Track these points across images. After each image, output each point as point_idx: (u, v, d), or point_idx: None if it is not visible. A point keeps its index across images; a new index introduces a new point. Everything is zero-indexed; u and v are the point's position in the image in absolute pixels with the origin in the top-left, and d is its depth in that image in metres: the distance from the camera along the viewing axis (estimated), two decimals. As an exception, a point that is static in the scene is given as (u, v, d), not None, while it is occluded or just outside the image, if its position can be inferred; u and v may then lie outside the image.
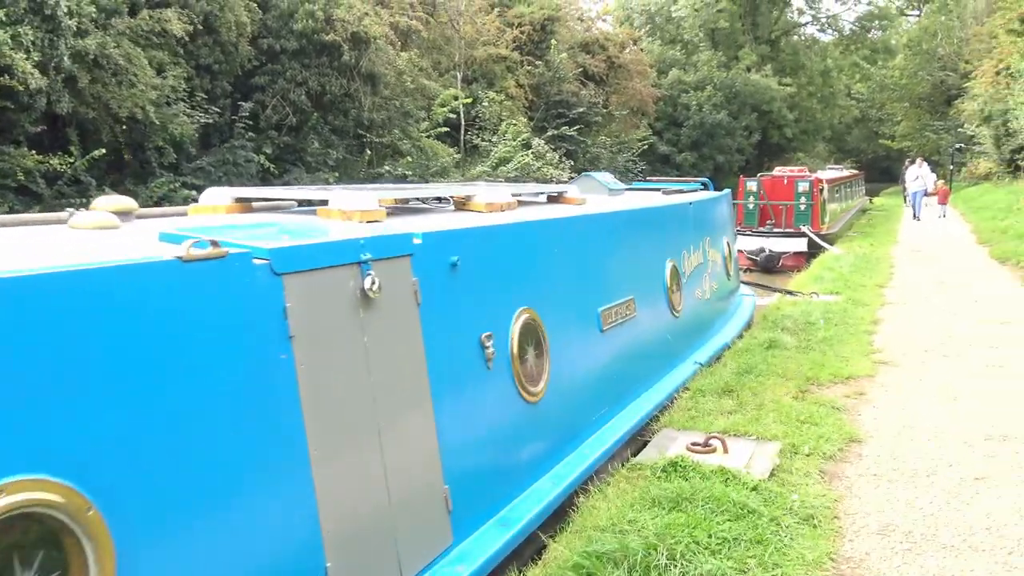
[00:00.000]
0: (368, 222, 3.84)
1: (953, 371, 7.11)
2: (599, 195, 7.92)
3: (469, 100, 26.73)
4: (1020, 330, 8.68)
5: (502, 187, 5.61)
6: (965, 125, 39.88)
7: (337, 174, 22.44)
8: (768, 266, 18.56)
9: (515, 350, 4.15)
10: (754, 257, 18.74)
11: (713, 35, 57.76)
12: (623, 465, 4.88)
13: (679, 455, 4.78)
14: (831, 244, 19.06)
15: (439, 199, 5.54)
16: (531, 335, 4.38)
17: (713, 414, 5.69)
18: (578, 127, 35.17)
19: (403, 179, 23.49)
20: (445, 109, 25.82)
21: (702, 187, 10.58)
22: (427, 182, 24.09)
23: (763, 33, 60.54)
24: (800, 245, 18.75)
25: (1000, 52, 31.02)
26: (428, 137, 27.22)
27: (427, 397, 3.46)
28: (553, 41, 35.48)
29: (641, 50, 54.11)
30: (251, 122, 18.99)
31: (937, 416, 5.85)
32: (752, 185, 19.78)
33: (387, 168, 22.74)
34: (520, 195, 6.55)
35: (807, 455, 4.94)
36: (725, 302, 9.07)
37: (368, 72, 20.39)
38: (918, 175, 24.33)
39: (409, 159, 22.61)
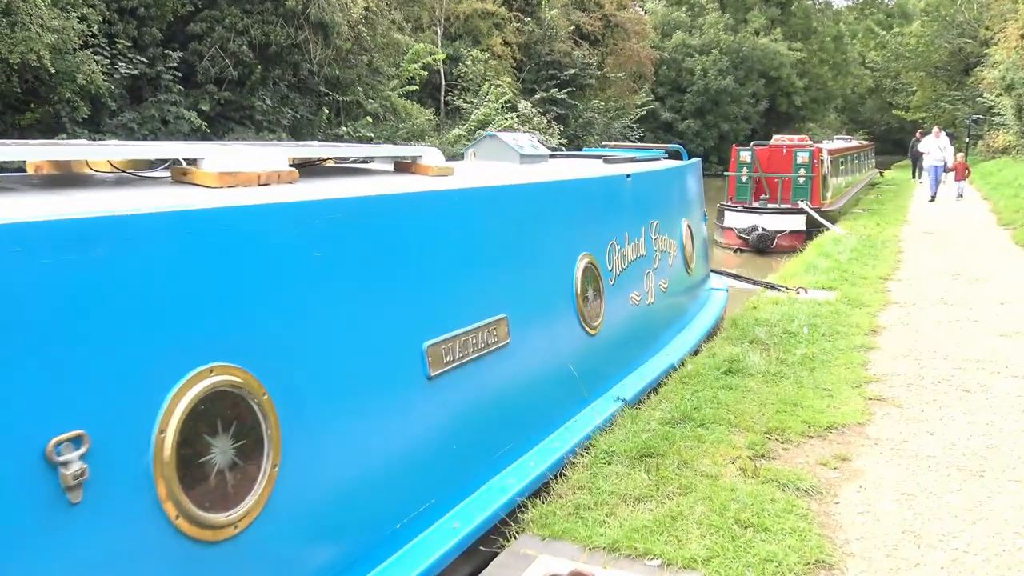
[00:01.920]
0: None
1: (977, 417, 5.11)
2: (505, 162, 5.90)
3: (443, 56, 24.44)
4: (1062, 348, 6.68)
5: (278, 148, 3.59)
6: (984, 95, 37.38)
7: (287, 135, 20.37)
8: (761, 246, 16.50)
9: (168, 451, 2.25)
10: (745, 236, 16.68)
11: (721, -4, 54.80)
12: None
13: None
14: (833, 223, 16.96)
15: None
16: (241, 414, 2.46)
17: (612, 502, 3.71)
18: (569, 90, 32.90)
19: (367, 141, 21.43)
20: (416, 65, 23.61)
21: (667, 156, 8.54)
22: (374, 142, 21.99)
23: (774, -5, 57.55)
24: (798, 223, 16.68)
25: (1026, 13, 28.58)
26: (401, 97, 25.08)
27: None
28: (544, -4, 32.99)
29: (642, 9, 51.57)
30: (180, 74, 16.91)
31: (957, 508, 3.86)
32: (745, 155, 17.64)
33: (345, 130, 20.64)
34: (349, 159, 4.57)
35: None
36: (681, 304, 7.07)
37: (318, 20, 18.21)
38: (938, 146, 21.38)
39: (369, 119, 20.46)
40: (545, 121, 30.97)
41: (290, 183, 3.27)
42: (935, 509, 3.81)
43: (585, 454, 4.22)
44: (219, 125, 18.55)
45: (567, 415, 4.51)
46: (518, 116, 29.52)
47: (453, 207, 3.78)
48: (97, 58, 15.13)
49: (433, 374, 3.38)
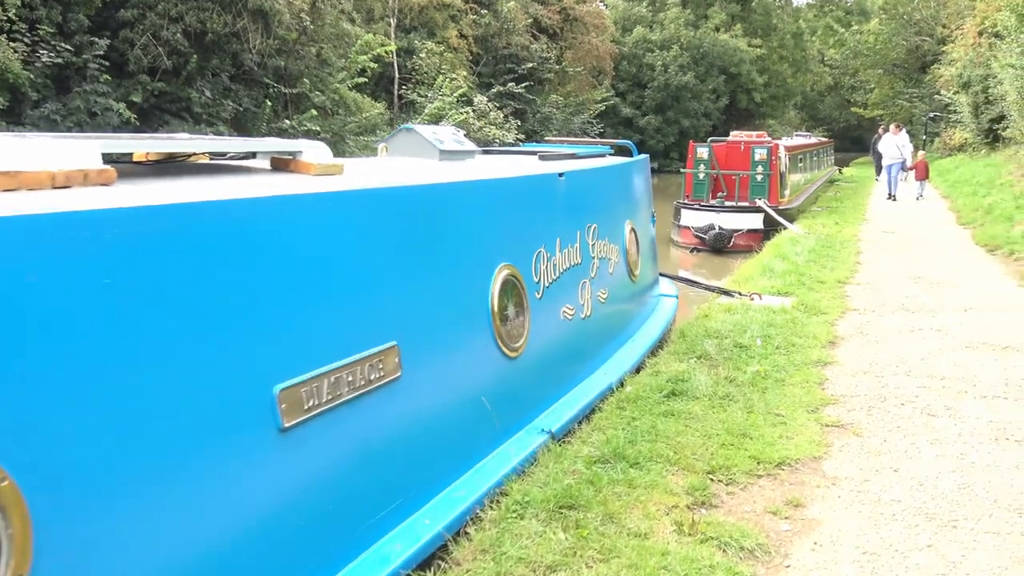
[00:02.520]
0: None
1: (946, 448, 4.55)
2: (421, 158, 5.23)
3: (393, 47, 23.62)
4: (1031, 362, 6.18)
5: (92, 141, 2.88)
6: (941, 92, 37.49)
7: (229, 129, 19.43)
8: (717, 245, 16.00)
9: None
10: (702, 235, 16.16)
11: (681, -9, 54.39)
12: None
13: None
14: (791, 221, 16.52)
15: None
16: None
17: (519, 571, 3.06)
18: (527, 84, 32.23)
19: (312, 136, 20.56)
20: (366, 57, 22.75)
21: (615, 152, 7.92)
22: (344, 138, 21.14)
23: (734, -10, 57.33)
24: (755, 221, 16.20)
25: (983, 9, 28.51)
26: (352, 90, 24.22)
27: None
28: (501, -12, 32.25)
29: (603, 3, 51.08)
30: (108, 64, 15.93)
31: (926, 571, 3.28)
32: (703, 151, 17.12)
33: (290, 124, 19.76)
34: (226, 154, 3.89)
35: None
36: (624, 315, 6.45)
37: (257, 7, 17.29)
38: (896, 144, 20.75)
39: (313, 112, 19.59)
40: (502, 116, 30.31)
41: (103, 185, 2.58)
42: (902, 574, 3.21)
43: (495, 505, 3.56)
44: (153, 118, 17.57)
45: (476, 456, 3.85)
46: (474, 110, 28.81)
47: (326, 214, 3.10)
48: (15, 45, 14.14)
49: (288, 425, 2.70)
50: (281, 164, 3.64)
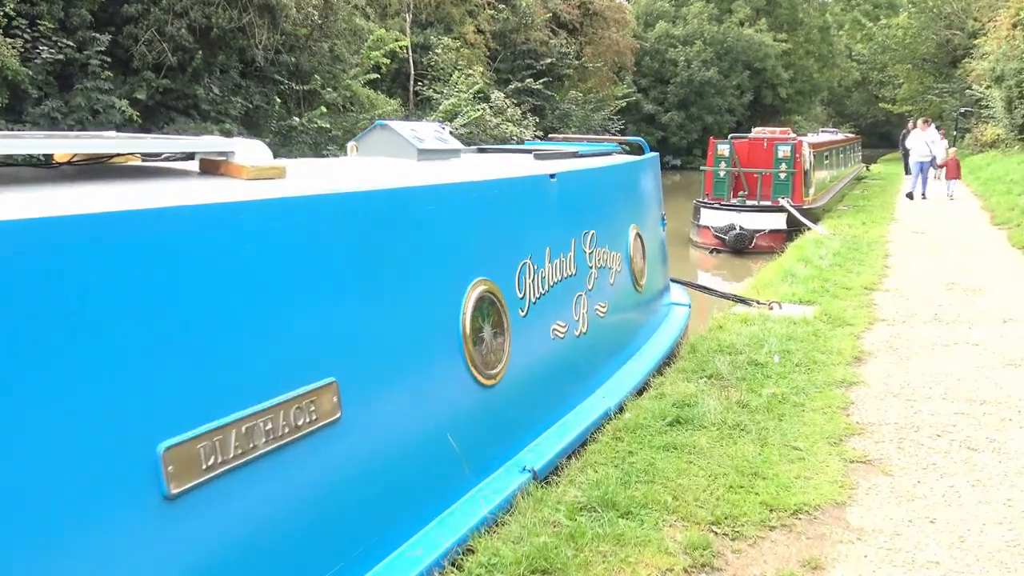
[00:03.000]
0: None
1: (991, 493, 3.95)
2: (396, 158, 4.71)
3: (406, 43, 23.13)
4: (1083, 383, 5.54)
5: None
6: (973, 87, 36.42)
7: (239, 126, 19.03)
8: (738, 246, 15.34)
9: None
10: (722, 235, 15.51)
11: (705, -15, 53.43)
12: None
13: None
14: (816, 221, 15.83)
15: None
16: None
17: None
18: (545, 80, 31.62)
19: (324, 134, 20.17)
20: (379, 53, 22.27)
21: (627, 150, 7.36)
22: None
23: (759, -16, 56.28)
24: (778, 221, 15.52)
25: (1018, 1, 27.54)
26: (365, 87, 23.78)
27: None
28: (521, -18, 31.63)
29: (624, -1, 50.33)
30: (111, 60, 15.55)
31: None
32: (723, 148, 16.45)
33: (300, 121, 19.32)
34: (163, 155, 3.41)
35: None
36: (627, 330, 5.89)
37: (263, 2, 16.86)
38: (924, 140, 19.49)
39: (323, 109, 19.14)
40: (520, 112, 29.75)
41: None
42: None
43: (457, 568, 3.02)
44: (159, 115, 17.20)
45: (438, 507, 3.31)
46: (491, 107, 28.27)
47: (240, 227, 2.57)
48: (13, 41, 13.79)
49: (176, 491, 2.18)
50: (210, 167, 3.13)
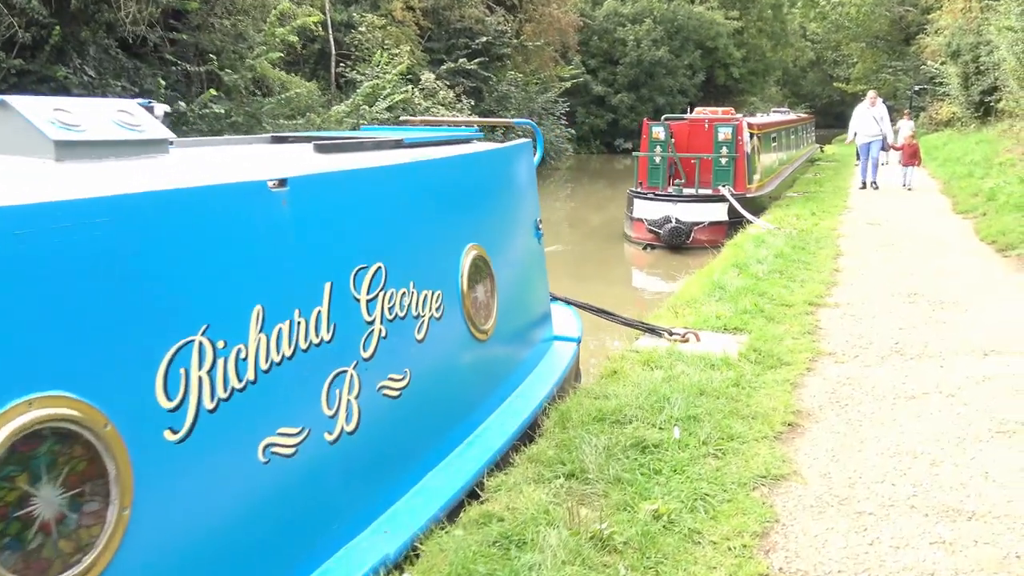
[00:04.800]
0: None
1: None
2: (17, 155, 2.82)
3: (317, 18, 20.98)
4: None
5: None
6: (927, 63, 35.21)
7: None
8: (674, 241, 13.60)
9: None
10: (656, 229, 13.75)
11: (654, -39, 51.69)
12: None
13: None
14: (760, 212, 14.16)
15: None
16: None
17: None
18: (481, 60, 29.62)
19: (220, 121, 18.02)
20: (285, 29, 20.10)
21: (476, 135, 5.51)
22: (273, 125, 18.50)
23: (709, -40, 54.73)
24: (719, 212, 13.80)
25: (975, -29, 26.20)
26: (277, 68, 21.60)
27: None
28: (450, -45, 29.53)
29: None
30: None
31: None
32: (658, 131, 14.65)
33: (187, 107, 17.16)
34: None
35: None
36: (453, 403, 4.01)
37: (126, -33, 14.67)
38: (873, 116, 16.66)
39: (212, 92, 16.99)
40: (453, 94, 27.76)
41: None
42: None
43: None
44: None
45: None
46: (420, 89, 26.23)
47: None
48: None
49: None
50: None
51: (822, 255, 9.58)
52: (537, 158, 6.41)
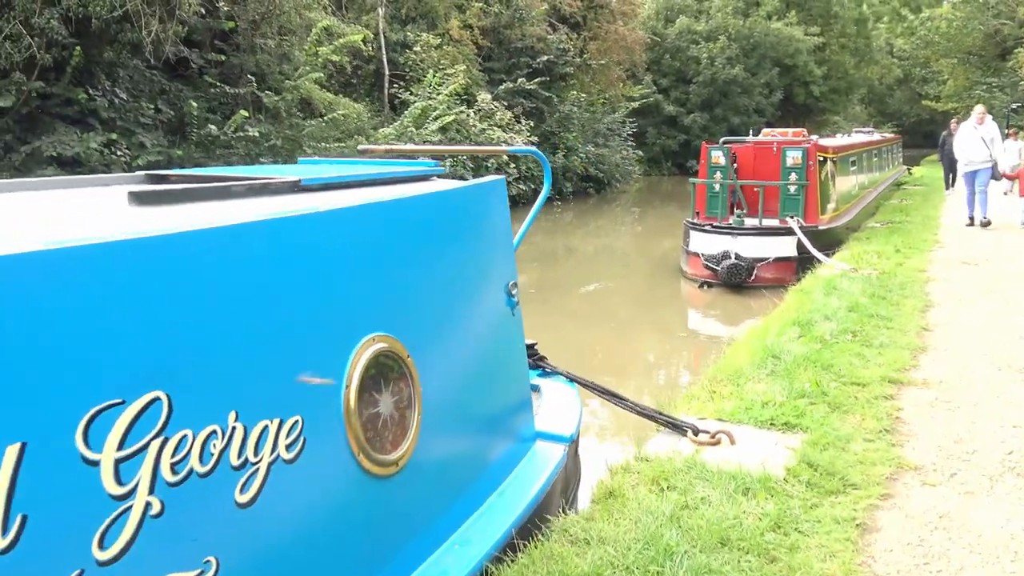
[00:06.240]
0: None
1: None
2: None
3: (358, 37, 20.07)
4: None
5: None
6: (1028, 78, 32.51)
7: (160, 136, 16.13)
8: (734, 280, 11.98)
9: None
10: (713, 266, 12.17)
11: (731, -23, 49.82)
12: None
13: None
14: (834, 249, 12.45)
15: None
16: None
17: None
18: (541, 79, 28.39)
19: (258, 145, 17.19)
20: (328, 48, 19.26)
21: (435, 171, 4.20)
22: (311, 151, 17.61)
23: (789, -26, 52.55)
24: (786, 247, 12.15)
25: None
26: (323, 89, 20.82)
27: None
28: (515, -27, 28.43)
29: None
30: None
31: None
32: (718, 156, 13.09)
33: (219, 131, 16.35)
34: None
35: None
36: (341, 570, 2.67)
37: (151, -16, 13.92)
38: (981, 138, 13.79)
39: (244, 114, 16.13)
40: (511, 115, 26.58)
41: None
42: None
43: None
44: (42, 124, 14.33)
45: None
46: (476, 110, 25.14)
47: None
48: None
49: None
50: None
51: (907, 307, 7.90)
52: (543, 194, 5.08)
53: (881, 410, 4.97)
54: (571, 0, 31.00)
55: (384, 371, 2.92)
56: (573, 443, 4.33)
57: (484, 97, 25.60)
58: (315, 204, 2.86)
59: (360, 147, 4.98)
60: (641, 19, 39.15)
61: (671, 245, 16.39)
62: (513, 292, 4.05)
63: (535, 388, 4.93)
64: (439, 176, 4.18)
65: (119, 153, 15.13)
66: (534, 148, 5.18)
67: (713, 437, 4.42)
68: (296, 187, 3.21)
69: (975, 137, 13.89)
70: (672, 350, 9.93)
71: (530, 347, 5.25)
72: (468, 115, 24.28)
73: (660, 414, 4.75)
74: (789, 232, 12.03)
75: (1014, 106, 39.42)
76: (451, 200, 3.67)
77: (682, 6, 48.75)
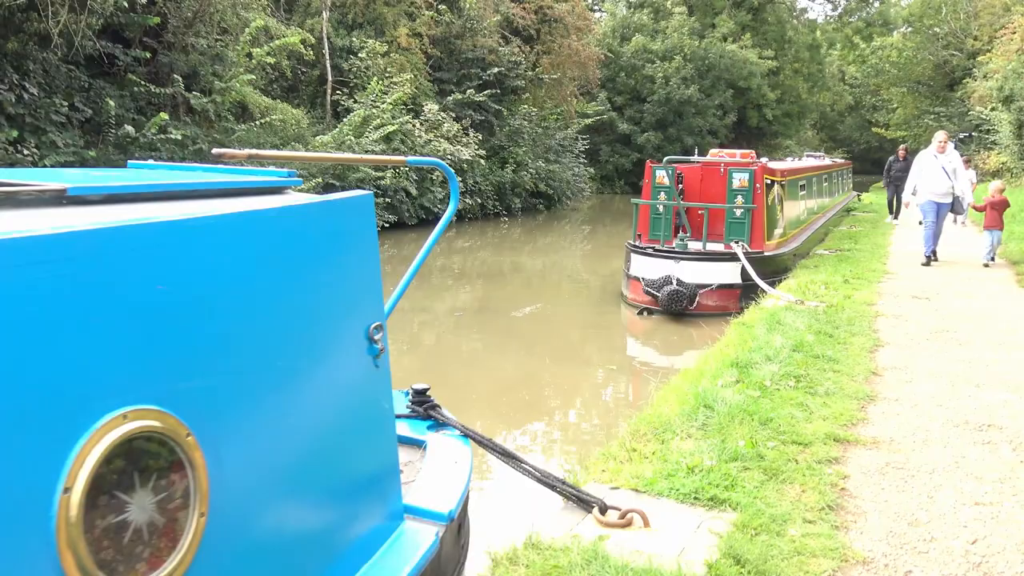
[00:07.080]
0: None
1: None
2: None
3: (295, 39, 19.13)
4: None
5: None
6: (975, 109, 32.75)
7: (75, 135, 15.01)
8: (674, 307, 11.29)
9: None
10: (654, 292, 11.48)
11: (687, -2, 49.87)
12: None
13: None
14: (782, 273, 11.87)
15: None
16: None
17: None
18: (490, 92, 27.69)
19: (182, 148, 16.14)
20: (262, 50, 18.29)
21: (290, 183, 3.36)
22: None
23: (744, -3, 52.79)
24: (729, 274, 11.52)
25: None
26: (260, 93, 19.82)
27: None
28: (467, -17, 27.69)
29: (600, 10, 46.90)
30: None
31: None
32: (662, 175, 12.44)
33: (138, 133, 15.28)
34: None
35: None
36: None
37: (56, -26, 12.87)
38: (942, 167, 12.38)
39: (164, 116, 15.09)
40: (459, 127, 25.82)
41: None
42: None
43: None
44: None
45: None
46: (423, 121, 24.34)
47: None
48: None
49: None
50: None
51: (855, 346, 7.26)
52: (448, 214, 4.30)
53: (824, 479, 4.24)
54: (524, 13, 30.41)
55: (139, 460, 2.08)
56: (452, 521, 3.51)
57: (431, 107, 24.81)
58: (75, 222, 2.02)
59: (215, 151, 4.10)
60: (597, 36, 38.78)
61: (619, 266, 15.77)
62: (376, 337, 3.22)
63: (419, 444, 4.13)
64: (295, 189, 3.36)
65: (26, 152, 14.02)
66: (438, 159, 4.37)
67: (623, 517, 3.65)
68: (60, 199, 2.36)
69: (935, 167, 12.45)
70: (603, 383, 9.20)
71: (420, 393, 4.45)
72: (414, 125, 23.49)
73: (564, 484, 3.96)
74: (733, 258, 11.41)
75: (961, 135, 39.79)
76: (289, 219, 2.84)
77: (638, 25, 48.64)
